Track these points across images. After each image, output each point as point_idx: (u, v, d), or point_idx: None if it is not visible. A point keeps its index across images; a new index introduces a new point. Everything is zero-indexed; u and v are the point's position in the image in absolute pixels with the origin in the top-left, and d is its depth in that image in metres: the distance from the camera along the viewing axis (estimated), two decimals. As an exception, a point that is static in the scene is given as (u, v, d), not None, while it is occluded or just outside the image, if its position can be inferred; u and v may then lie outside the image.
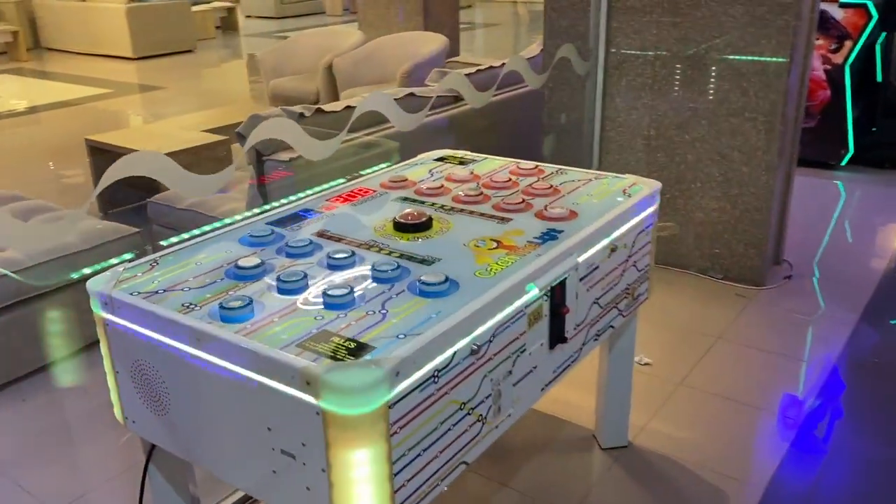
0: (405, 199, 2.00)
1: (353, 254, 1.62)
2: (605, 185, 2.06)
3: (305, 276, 1.51)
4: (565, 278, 1.67)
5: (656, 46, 3.29)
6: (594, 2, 3.37)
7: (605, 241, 1.82)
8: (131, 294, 1.49)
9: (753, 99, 3.15)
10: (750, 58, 3.12)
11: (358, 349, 1.26)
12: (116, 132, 4.32)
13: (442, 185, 2.06)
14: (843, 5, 4.70)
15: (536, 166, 2.22)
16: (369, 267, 1.56)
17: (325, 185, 2.21)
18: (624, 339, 2.25)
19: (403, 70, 5.28)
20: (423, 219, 1.78)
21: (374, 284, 1.50)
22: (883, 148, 4.98)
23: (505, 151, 2.40)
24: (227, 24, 13.36)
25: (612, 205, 1.91)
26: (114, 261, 1.74)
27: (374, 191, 2.07)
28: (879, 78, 5.07)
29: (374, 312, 1.39)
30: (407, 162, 2.34)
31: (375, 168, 2.39)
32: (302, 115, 2.97)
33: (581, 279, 1.75)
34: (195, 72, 10.64)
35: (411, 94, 3.15)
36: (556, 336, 1.69)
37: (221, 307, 1.40)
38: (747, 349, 2.93)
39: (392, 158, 2.56)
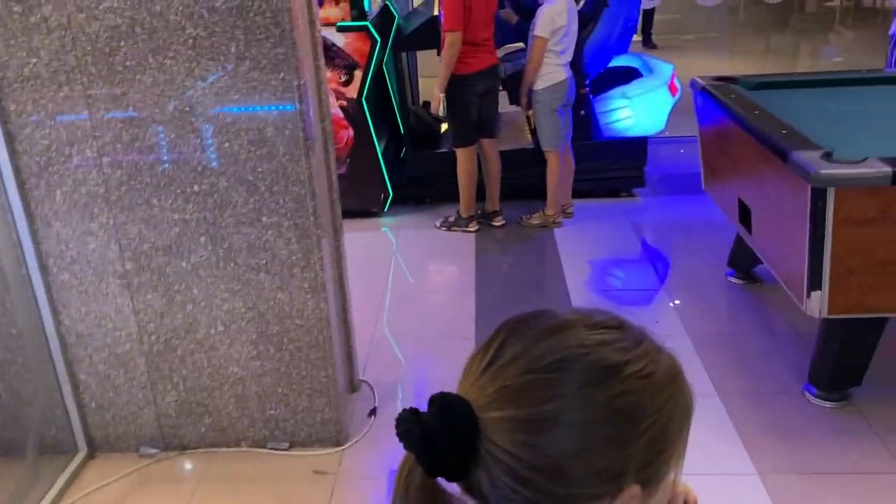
0: None
1: None
2: None
3: None
4: None
5: (83, 139, 2.02)
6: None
7: None
8: None
9: (266, 194, 2.08)
10: (246, 111, 2.05)
11: None
12: None
13: None
14: (341, 29, 3.96)
15: None
16: None
17: None
18: None
19: None
20: None
21: None
22: (418, 185, 4.41)
23: None
24: None
25: None
26: None
27: None
28: (396, 107, 4.52)
29: None
30: None
31: None
32: None
33: None
34: None
35: None
36: None
37: None
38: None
39: None
